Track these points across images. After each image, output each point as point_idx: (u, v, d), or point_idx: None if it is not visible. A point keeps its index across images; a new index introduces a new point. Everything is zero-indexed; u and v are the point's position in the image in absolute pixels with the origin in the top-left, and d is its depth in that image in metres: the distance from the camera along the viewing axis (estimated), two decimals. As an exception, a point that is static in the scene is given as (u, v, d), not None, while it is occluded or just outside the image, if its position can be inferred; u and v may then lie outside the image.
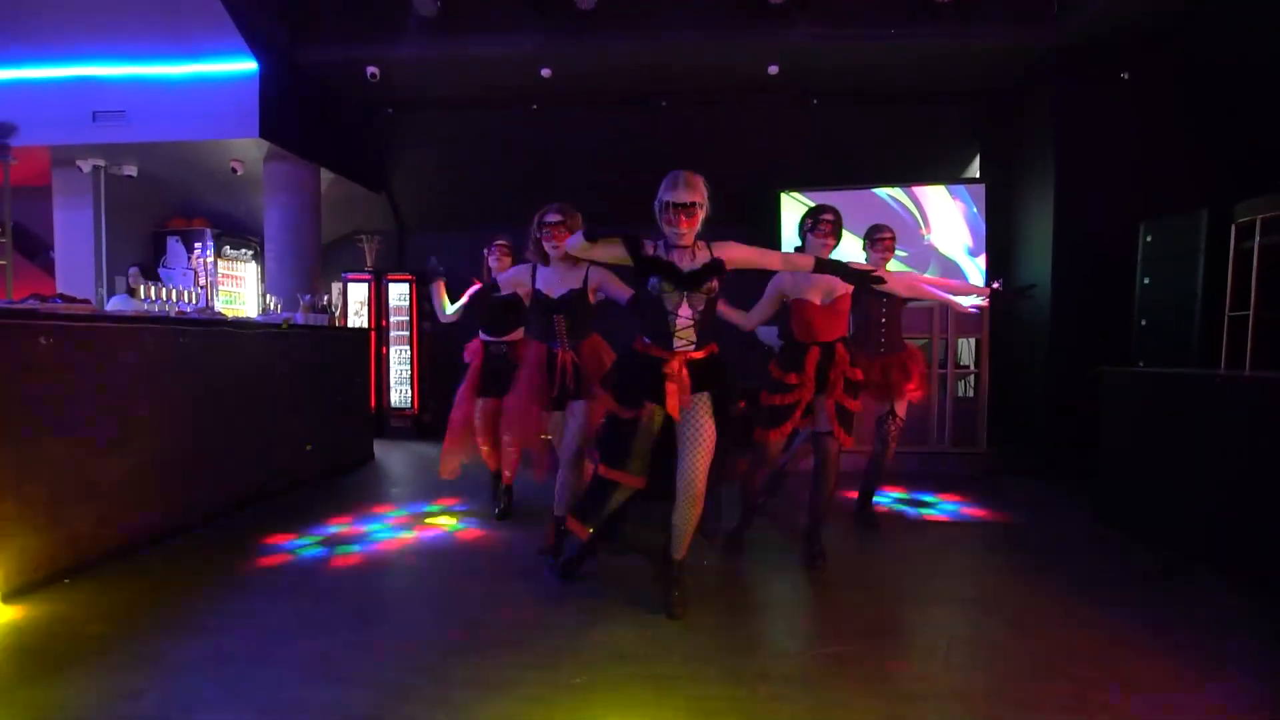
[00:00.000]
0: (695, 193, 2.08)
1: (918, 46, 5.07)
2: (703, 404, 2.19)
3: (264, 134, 5.00)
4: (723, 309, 2.66)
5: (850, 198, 6.19)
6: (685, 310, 2.15)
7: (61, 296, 2.90)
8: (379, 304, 6.95)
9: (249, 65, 4.96)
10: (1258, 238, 3.51)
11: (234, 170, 5.65)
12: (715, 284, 2.17)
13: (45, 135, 5.14)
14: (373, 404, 6.77)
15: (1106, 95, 4.88)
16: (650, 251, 2.18)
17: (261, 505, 3.65)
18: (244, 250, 6.70)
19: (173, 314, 3.28)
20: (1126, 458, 3.32)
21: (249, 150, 5.43)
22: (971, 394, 5.10)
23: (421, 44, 5.20)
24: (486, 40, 5.19)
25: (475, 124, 6.44)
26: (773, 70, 5.61)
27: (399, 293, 7.02)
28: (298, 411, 4.12)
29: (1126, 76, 4.90)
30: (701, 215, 2.12)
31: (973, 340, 5.13)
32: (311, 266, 5.84)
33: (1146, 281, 4.31)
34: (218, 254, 6.32)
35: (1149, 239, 4.29)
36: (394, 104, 6.23)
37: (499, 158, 6.65)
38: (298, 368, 4.19)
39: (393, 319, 7.01)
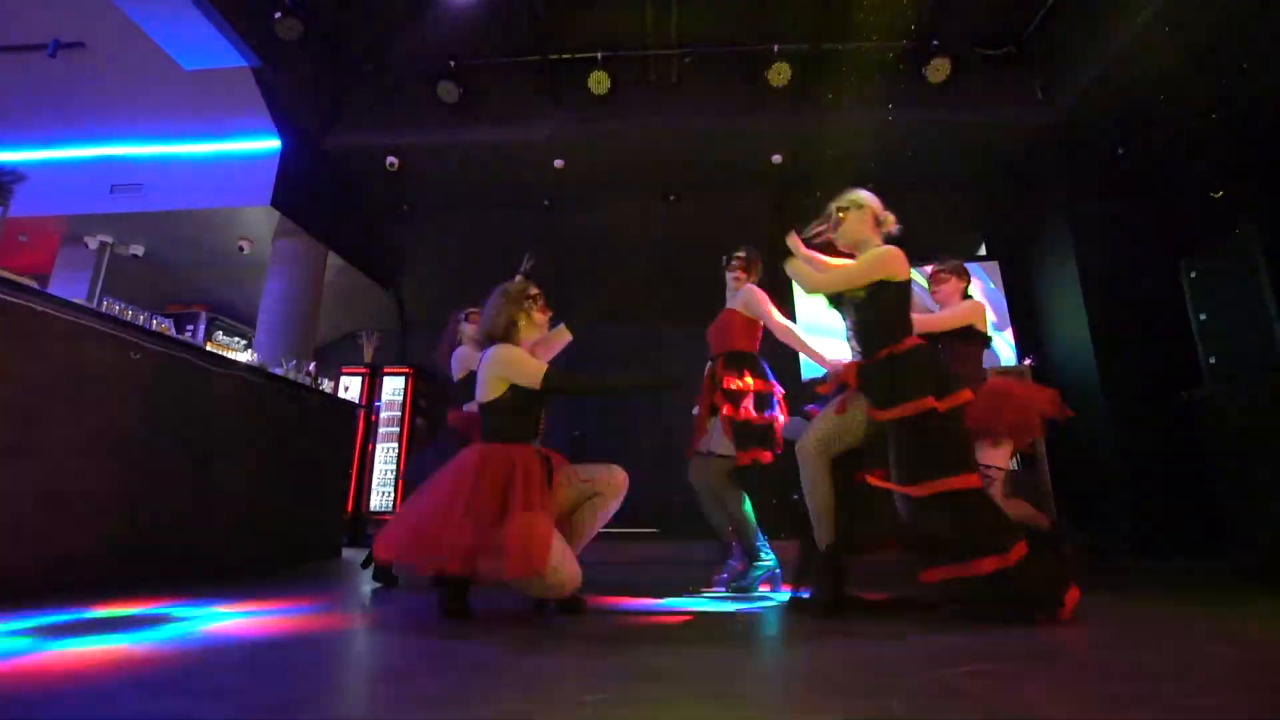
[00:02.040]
0: None
1: (913, 128, 5.31)
2: None
3: (276, 203, 5.02)
4: None
5: (863, 279, 6.12)
6: None
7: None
8: (370, 399, 6.55)
9: (272, 144, 5.15)
10: (1324, 238, 3.25)
11: (241, 249, 5.62)
12: None
13: (59, 205, 5.18)
14: (349, 504, 6.06)
15: (1108, 163, 4.99)
16: None
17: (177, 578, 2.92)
18: (236, 339, 6.47)
19: (135, 320, 2.89)
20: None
21: (259, 226, 5.44)
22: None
23: (440, 131, 5.48)
24: (503, 128, 5.46)
25: (488, 221, 6.59)
26: (776, 159, 5.85)
27: (394, 387, 6.66)
28: (259, 477, 3.54)
29: (1122, 151, 5.06)
30: None
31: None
32: (302, 345, 5.54)
33: (1203, 318, 3.97)
34: (208, 338, 6.06)
35: (1193, 275, 4.04)
36: (410, 201, 6.43)
37: (510, 254, 6.70)
38: (271, 424, 3.70)
39: (384, 414, 6.56)
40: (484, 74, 5.29)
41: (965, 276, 3.10)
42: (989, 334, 3.24)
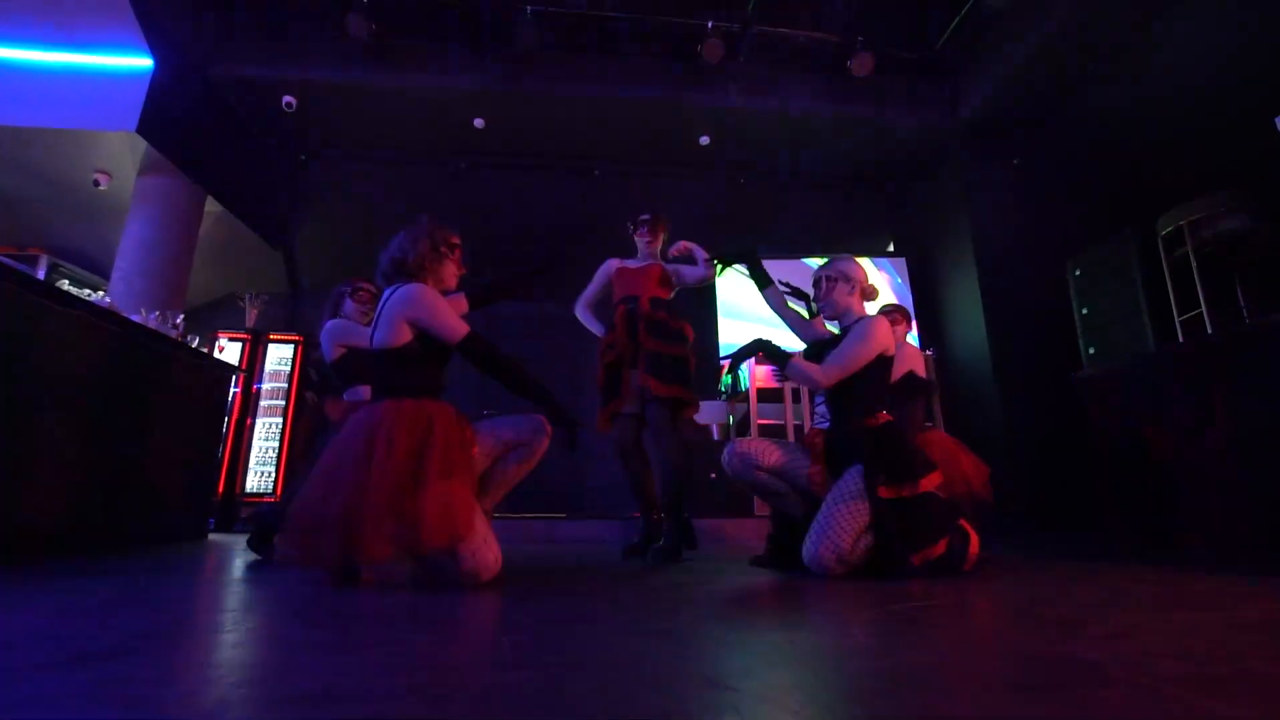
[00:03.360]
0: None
1: (835, 121, 5.46)
2: None
3: (142, 130, 4.33)
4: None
5: (781, 266, 6.23)
6: None
7: None
8: (252, 369, 5.87)
9: (143, 63, 4.45)
10: (1190, 240, 3.61)
11: (96, 183, 4.83)
12: None
13: None
14: (221, 483, 5.38)
15: (1007, 167, 5.37)
16: None
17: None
18: (86, 292, 5.56)
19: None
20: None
21: (120, 158, 4.69)
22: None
23: (348, 70, 4.98)
24: (421, 75, 5.05)
25: (398, 179, 6.10)
26: (704, 141, 5.82)
27: (280, 356, 6.00)
28: (103, 443, 2.98)
29: (1018, 162, 5.46)
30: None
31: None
32: (169, 299, 4.83)
33: (1085, 312, 4.33)
34: (49, 287, 5.16)
35: (1077, 273, 4.40)
36: (309, 149, 5.83)
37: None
38: (122, 381, 3.13)
39: (267, 384, 5.89)
40: (401, 11, 4.86)
41: (908, 321, 3.31)
42: (932, 380, 3.49)
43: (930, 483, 1.93)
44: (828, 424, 2.12)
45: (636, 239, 3.03)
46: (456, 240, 2.06)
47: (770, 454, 2.12)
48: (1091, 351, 4.25)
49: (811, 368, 2.08)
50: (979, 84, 5.14)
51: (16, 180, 4.95)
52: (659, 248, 3.02)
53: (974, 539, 1.95)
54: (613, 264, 3.04)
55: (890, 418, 2.07)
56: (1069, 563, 2.24)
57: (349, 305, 2.81)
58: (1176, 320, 3.70)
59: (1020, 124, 5.25)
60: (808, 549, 1.90)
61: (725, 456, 2.15)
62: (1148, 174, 4.33)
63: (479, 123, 5.52)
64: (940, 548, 1.88)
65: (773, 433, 4.79)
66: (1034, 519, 4.51)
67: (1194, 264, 3.60)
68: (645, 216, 3.04)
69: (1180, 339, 3.65)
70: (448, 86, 5.08)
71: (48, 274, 5.25)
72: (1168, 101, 4.21)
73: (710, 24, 4.94)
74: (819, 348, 2.23)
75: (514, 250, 6.29)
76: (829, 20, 5.08)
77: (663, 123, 5.55)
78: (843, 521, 1.87)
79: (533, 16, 4.78)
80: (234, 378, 5.23)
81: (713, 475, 4.58)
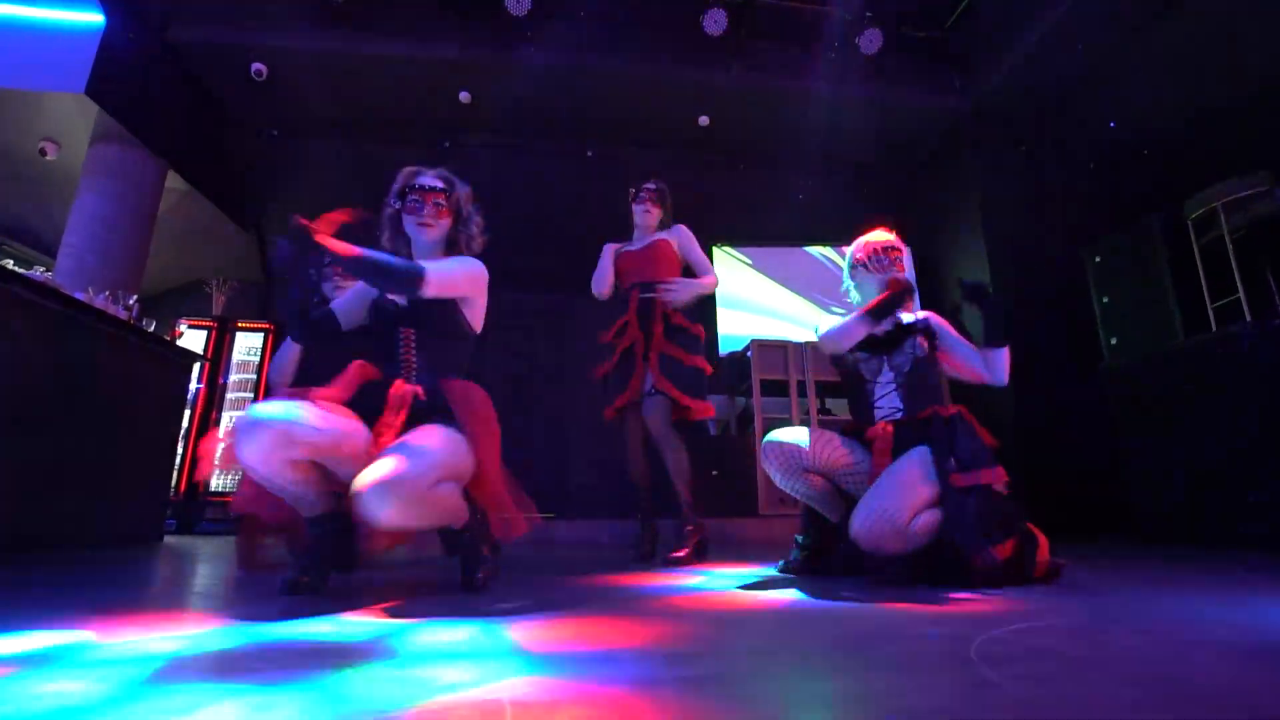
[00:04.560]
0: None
1: (841, 102, 5.21)
2: None
3: (92, 92, 3.93)
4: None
5: (782, 254, 5.99)
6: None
7: None
8: (219, 359, 5.48)
9: (93, 18, 4.05)
10: (1225, 222, 3.42)
11: (43, 152, 4.42)
12: None
13: None
14: (182, 480, 4.98)
15: (1018, 152, 5.16)
16: None
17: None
18: (34, 270, 5.12)
19: None
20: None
21: (69, 123, 4.28)
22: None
23: (322, 36, 4.62)
24: (401, 43, 4.70)
25: (377, 159, 5.72)
26: (703, 122, 5.55)
27: (249, 345, 5.62)
28: (41, 435, 2.64)
29: (1023, 150, 5.26)
30: None
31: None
32: (125, 280, 4.43)
33: (1105, 301, 4.12)
34: (-9, 266, 4.73)
35: (1096, 260, 4.19)
36: (281, 122, 5.43)
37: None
38: (65, 367, 2.81)
39: (234, 377, 5.50)
40: (381, -27, 4.51)
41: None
42: None
43: (998, 477, 1.67)
44: (900, 414, 1.90)
45: (634, 208, 2.83)
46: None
47: (825, 452, 1.86)
48: (1114, 342, 4.04)
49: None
50: (990, 64, 4.93)
51: (-47, 148, 4.52)
52: (656, 221, 2.81)
53: (1043, 543, 1.69)
54: (610, 249, 2.86)
55: (962, 408, 1.82)
56: (1138, 567, 2.01)
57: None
58: (1209, 308, 3.50)
59: (1034, 106, 5.04)
60: (859, 520, 1.64)
61: (766, 455, 1.88)
62: (1170, 156, 4.14)
63: (465, 96, 5.19)
64: (1008, 548, 1.63)
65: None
66: (1054, 521, 4.30)
67: (1230, 248, 3.40)
68: (651, 185, 2.84)
69: (1213, 327, 3.46)
70: (432, 57, 4.74)
71: (-10, 252, 4.81)
72: (1193, 79, 4.02)
73: (713, -7, 4.67)
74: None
75: (506, 233, 5.95)
76: (837, -5, 4.83)
77: (662, 99, 5.26)
78: (902, 495, 1.63)
79: (524, -20, 4.46)
80: (198, 368, 4.86)
81: (715, 472, 4.31)
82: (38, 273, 3.23)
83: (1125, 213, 4.22)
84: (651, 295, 2.59)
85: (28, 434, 2.60)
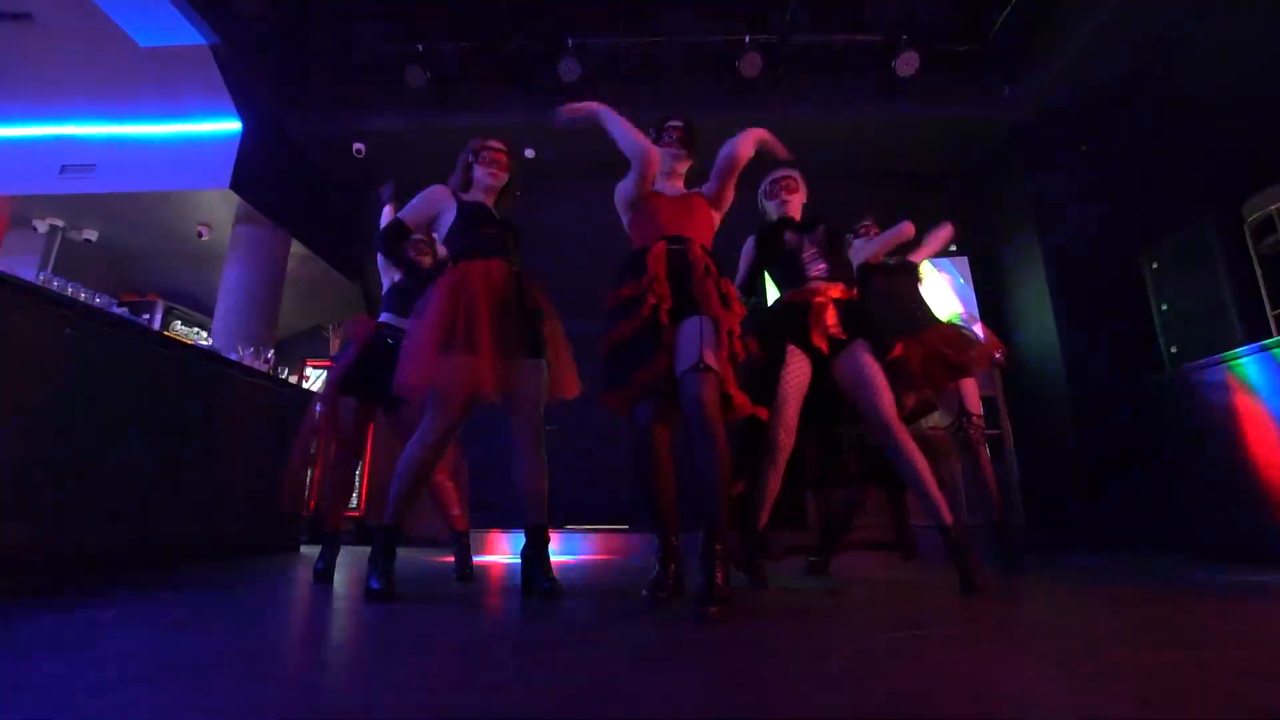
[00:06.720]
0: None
1: (884, 122, 5.33)
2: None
3: (235, 186, 4.86)
4: None
5: (835, 273, 6.12)
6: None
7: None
8: (336, 394, 6.37)
9: (232, 126, 4.99)
10: None
11: (200, 234, 5.44)
12: None
13: (4, 185, 4.95)
14: (312, 504, 5.86)
15: (1072, 157, 5.06)
16: None
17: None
18: (195, 330, 6.25)
19: (72, 294, 2.75)
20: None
21: (218, 210, 5.26)
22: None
23: (409, 118, 5.37)
24: (473, 114, 5.37)
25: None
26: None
27: (359, 381, 6.48)
28: (210, 466, 3.43)
29: (1085, 148, 5.14)
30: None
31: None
32: (262, 334, 5.36)
33: (1164, 308, 4.02)
34: (164, 328, 5.85)
35: (1155, 265, 4.10)
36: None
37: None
38: (224, 412, 3.59)
39: (349, 409, 6.37)
40: (453, 59, 5.20)
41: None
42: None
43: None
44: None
45: (661, 150, 2.20)
46: (484, 143, 2.41)
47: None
48: (1174, 351, 3.94)
49: None
50: (1039, 71, 4.89)
51: (133, 236, 5.65)
52: (685, 169, 2.24)
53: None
54: (626, 187, 2.16)
55: None
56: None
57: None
58: (1269, 314, 3.39)
59: (1086, 110, 4.93)
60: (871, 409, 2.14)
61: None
62: (1228, 158, 3.99)
63: (529, 152, 5.78)
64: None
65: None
66: (1110, 536, 4.21)
67: (1288, 252, 3.29)
68: (676, 123, 2.25)
69: (1275, 333, 3.34)
70: (499, 125, 5.37)
71: (163, 315, 5.93)
72: (1253, 79, 3.86)
73: (747, 38, 4.98)
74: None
75: (571, 264, 6.51)
76: (871, 21, 4.99)
77: (705, 134, 5.60)
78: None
79: (574, 48, 4.99)
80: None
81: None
82: (203, 342, 4.08)
83: (1185, 214, 4.10)
84: (685, 250, 1.96)
85: (194, 464, 3.35)
